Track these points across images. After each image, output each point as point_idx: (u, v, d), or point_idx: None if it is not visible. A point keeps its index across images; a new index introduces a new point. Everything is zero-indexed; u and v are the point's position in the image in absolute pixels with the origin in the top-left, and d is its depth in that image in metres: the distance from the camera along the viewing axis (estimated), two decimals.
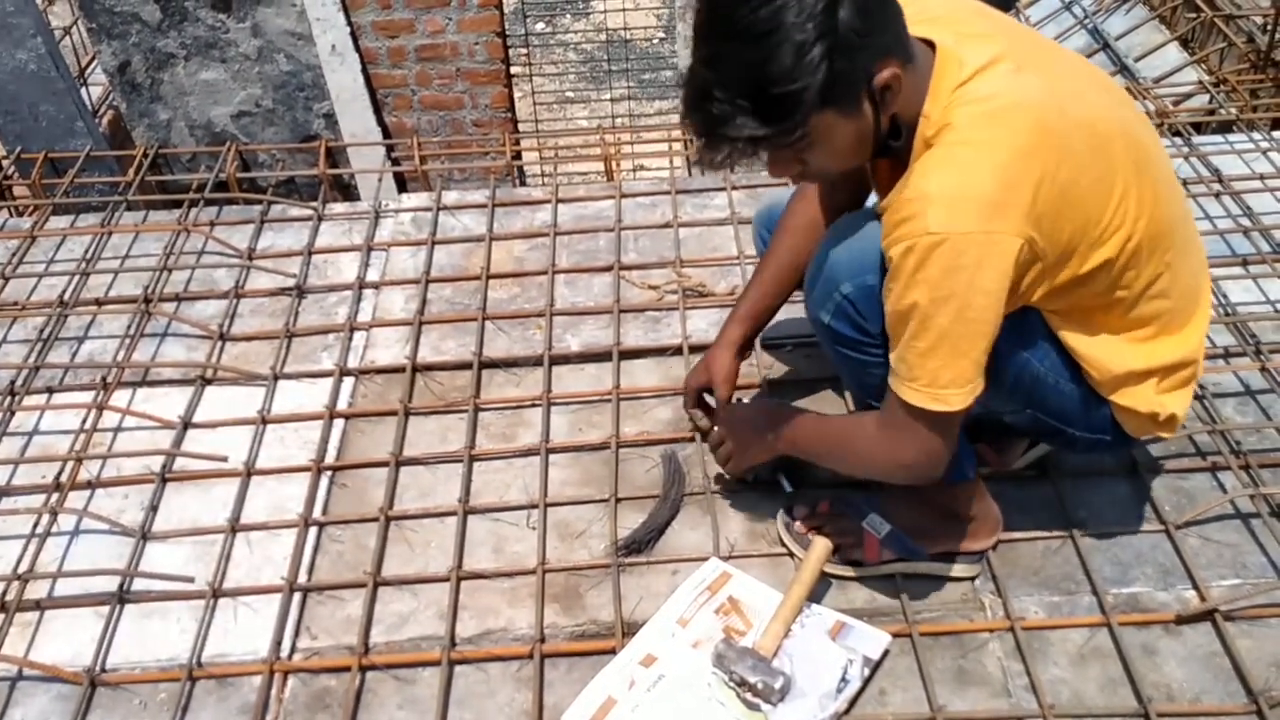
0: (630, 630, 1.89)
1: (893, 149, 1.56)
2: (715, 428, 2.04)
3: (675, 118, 5.38)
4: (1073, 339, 1.67)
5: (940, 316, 1.47)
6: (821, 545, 1.87)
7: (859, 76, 1.43)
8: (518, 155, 4.21)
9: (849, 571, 1.93)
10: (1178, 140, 3.15)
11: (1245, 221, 2.77)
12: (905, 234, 1.46)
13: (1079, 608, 1.89)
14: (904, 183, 1.51)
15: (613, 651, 1.85)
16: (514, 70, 5.10)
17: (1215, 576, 1.92)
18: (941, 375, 1.51)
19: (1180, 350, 1.71)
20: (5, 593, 2.02)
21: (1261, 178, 2.94)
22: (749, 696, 1.72)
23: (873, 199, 1.86)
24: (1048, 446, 2.05)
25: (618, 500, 2.12)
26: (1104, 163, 1.52)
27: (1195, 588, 1.90)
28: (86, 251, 2.96)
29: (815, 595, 1.87)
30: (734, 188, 3.02)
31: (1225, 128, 3.31)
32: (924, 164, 1.48)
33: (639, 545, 2.02)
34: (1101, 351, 1.68)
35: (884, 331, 1.59)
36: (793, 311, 2.47)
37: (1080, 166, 1.49)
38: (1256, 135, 3.15)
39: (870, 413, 1.69)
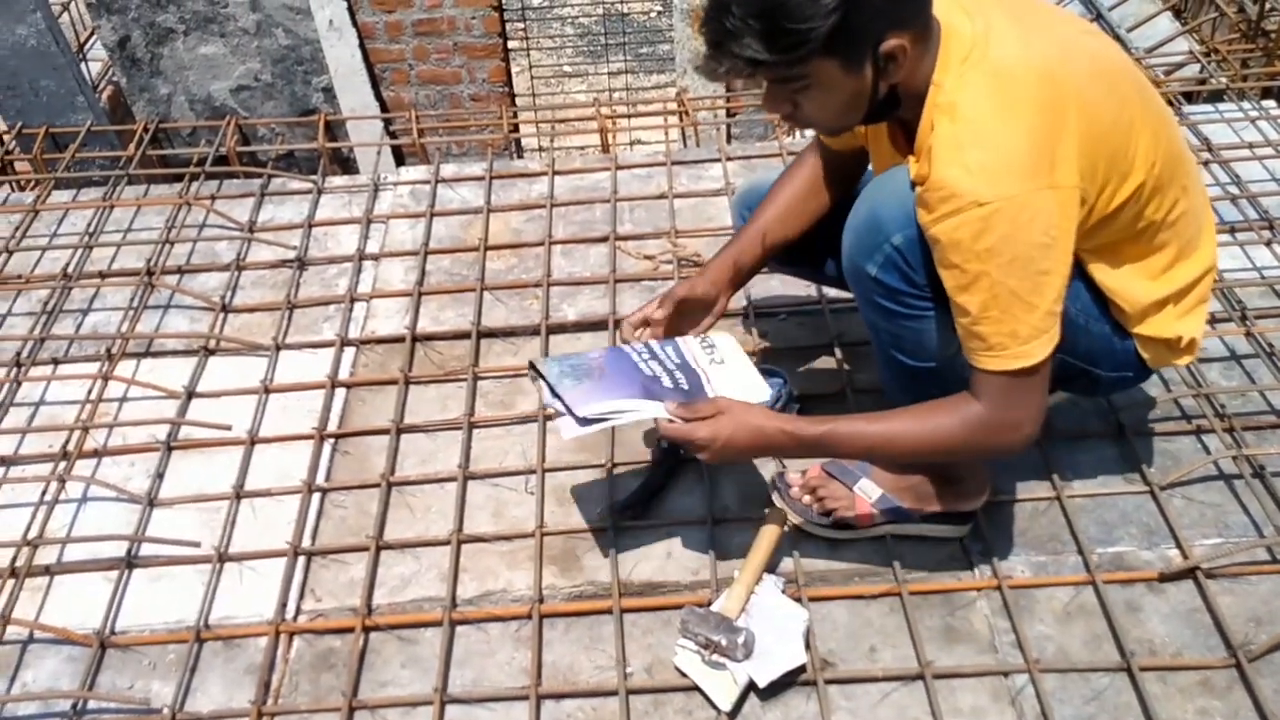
0: (627, 591, 1.93)
1: (890, 117, 1.62)
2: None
3: (672, 91, 5.39)
4: (1102, 274, 1.71)
5: (1009, 279, 1.50)
6: (777, 516, 1.93)
7: (867, 37, 1.48)
8: (515, 129, 4.23)
9: (840, 535, 1.97)
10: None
11: (1234, 190, 2.81)
12: (953, 209, 1.49)
13: (1065, 567, 1.94)
14: (933, 154, 1.53)
15: (609, 612, 1.90)
16: (511, 45, 5.11)
17: (1198, 536, 1.97)
18: (1020, 331, 1.53)
19: (1195, 271, 1.76)
20: (15, 558, 2.07)
21: (1250, 146, 2.97)
22: (715, 657, 1.76)
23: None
24: (1064, 394, 2.07)
25: (614, 466, 2.16)
26: (1116, 101, 1.57)
27: (1178, 547, 1.94)
28: (89, 225, 2.99)
29: (771, 563, 1.91)
30: (729, 159, 3.05)
31: (1216, 97, 3.34)
32: (952, 140, 1.51)
33: (635, 508, 2.07)
34: (1130, 284, 1.72)
35: (929, 283, 1.63)
36: (786, 281, 2.52)
37: (1097, 107, 1.53)
38: (1246, 104, 3.18)
39: (952, 403, 1.64)
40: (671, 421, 1.75)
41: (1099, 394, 1.96)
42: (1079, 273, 1.70)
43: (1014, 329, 1.53)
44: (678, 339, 1.95)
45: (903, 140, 1.70)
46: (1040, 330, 1.54)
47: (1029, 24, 1.60)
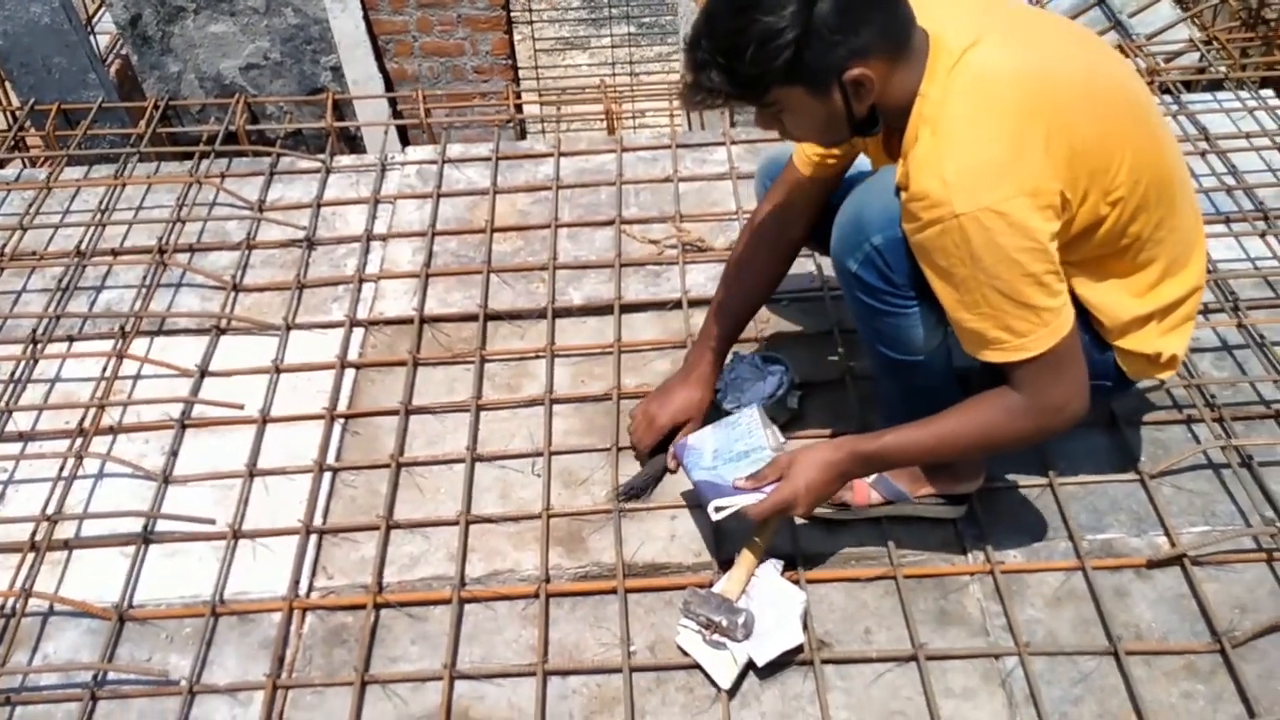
0: (631, 572, 1.99)
1: (880, 129, 1.67)
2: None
3: (678, 62, 5.41)
4: (1084, 289, 1.74)
5: (995, 282, 1.55)
6: None
7: (830, 68, 1.54)
8: (519, 108, 4.26)
9: (838, 515, 2.02)
10: (1167, 98, 3.20)
11: (1230, 180, 2.84)
12: (934, 219, 1.54)
13: (1055, 553, 1.99)
14: (912, 165, 1.58)
15: (614, 592, 1.96)
16: (514, 15, 5.12)
17: (1186, 524, 2.02)
18: (1016, 326, 1.58)
19: (1181, 289, 1.79)
20: (35, 533, 2.12)
21: (1248, 136, 3.00)
22: (715, 637, 1.82)
23: (865, 162, 1.95)
24: None
25: (619, 449, 2.21)
26: (1104, 117, 1.59)
27: (1166, 534, 2.00)
28: (101, 202, 3.03)
29: (772, 546, 1.95)
30: (733, 142, 3.08)
31: (1215, 86, 3.36)
32: (932, 151, 1.55)
33: (638, 491, 2.12)
34: (1111, 299, 1.76)
35: (909, 282, 1.68)
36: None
37: (1081, 121, 1.56)
38: (1244, 94, 3.20)
39: (995, 396, 1.68)
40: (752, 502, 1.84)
41: None
42: None
43: (1008, 324, 1.58)
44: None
45: (897, 144, 1.74)
46: (1037, 325, 1.58)
47: (1023, 36, 1.63)
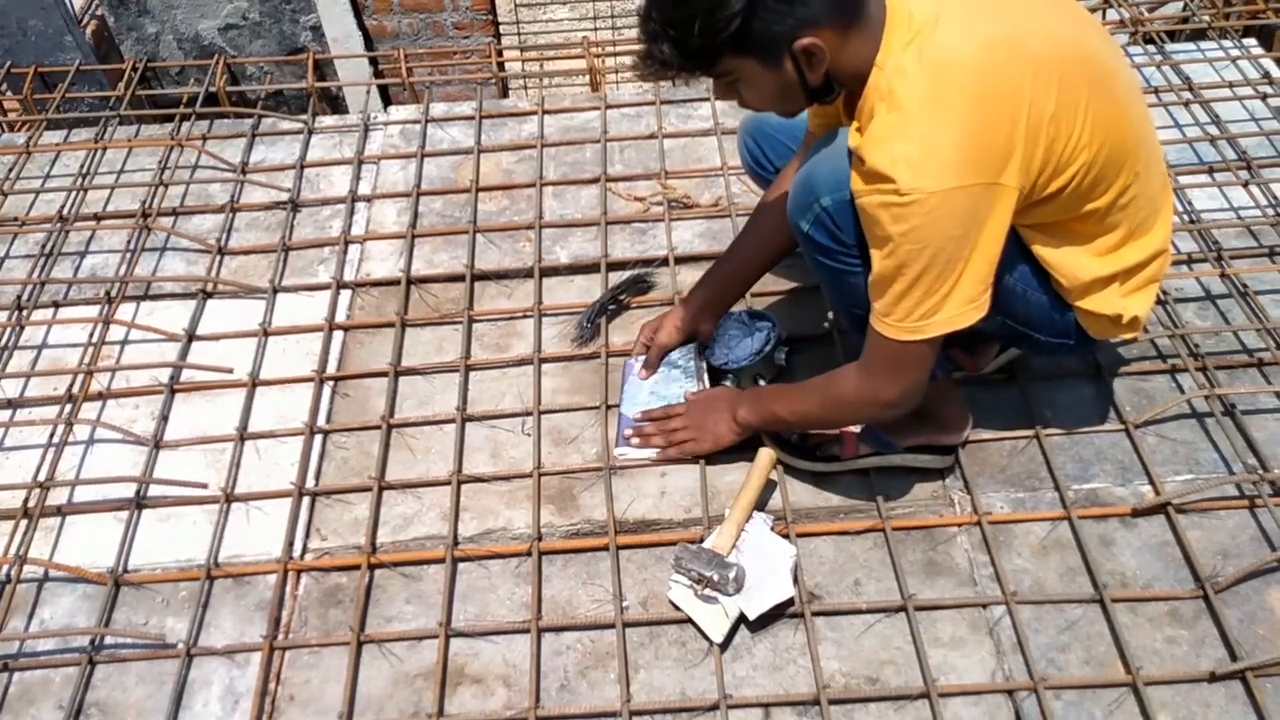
0: (623, 528, 2.01)
1: (837, 95, 1.68)
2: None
3: None
4: (1044, 250, 1.76)
5: (915, 263, 1.56)
6: (766, 455, 2.00)
7: (779, 37, 1.54)
8: (501, 66, 4.22)
9: (827, 467, 2.05)
10: (1150, 48, 3.20)
11: (1213, 130, 2.84)
12: (877, 190, 1.55)
13: (1042, 503, 2.02)
14: (865, 139, 1.58)
15: (606, 549, 1.98)
16: None
17: (1170, 472, 2.05)
18: (915, 310, 1.61)
19: (1144, 252, 1.80)
20: (28, 499, 2.13)
21: (1230, 86, 3.00)
22: (707, 592, 1.85)
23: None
24: (1017, 350, 2.15)
25: (608, 407, 2.22)
26: (1064, 91, 1.58)
27: (1151, 483, 2.03)
28: (82, 166, 3.01)
29: (761, 501, 1.99)
30: (717, 98, 3.06)
31: (1198, 35, 3.36)
32: (885, 129, 1.55)
33: (591, 322, 2.37)
34: (1071, 260, 1.77)
35: (858, 242, 1.69)
36: None
37: (1039, 100, 1.55)
38: (1227, 43, 3.20)
39: (847, 366, 1.81)
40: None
41: (1043, 354, 2.02)
42: (1019, 244, 1.75)
43: (909, 307, 1.62)
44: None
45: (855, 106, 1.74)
46: (933, 310, 1.61)
47: (988, 5, 1.61)
